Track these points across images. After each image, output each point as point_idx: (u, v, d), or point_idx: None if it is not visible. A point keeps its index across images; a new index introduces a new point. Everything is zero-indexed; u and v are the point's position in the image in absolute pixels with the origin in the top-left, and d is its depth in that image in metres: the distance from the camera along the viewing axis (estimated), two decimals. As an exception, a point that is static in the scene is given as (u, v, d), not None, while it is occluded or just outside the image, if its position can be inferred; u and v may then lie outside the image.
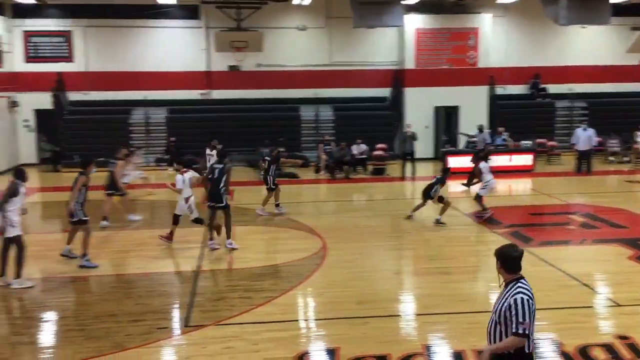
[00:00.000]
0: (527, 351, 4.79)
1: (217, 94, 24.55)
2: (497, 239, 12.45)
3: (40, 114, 23.54)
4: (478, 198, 14.44)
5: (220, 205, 11.73)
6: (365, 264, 10.95)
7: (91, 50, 23.83)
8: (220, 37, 23.28)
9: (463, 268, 10.77)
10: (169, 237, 11.95)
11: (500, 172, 20.56)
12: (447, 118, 24.93)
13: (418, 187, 18.17)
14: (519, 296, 4.72)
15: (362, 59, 24.85)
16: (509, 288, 4.82)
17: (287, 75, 24.44)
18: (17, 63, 23.45)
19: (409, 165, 20.22)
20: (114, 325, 8.10)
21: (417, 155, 20.61)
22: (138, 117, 23.86)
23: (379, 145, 22.68)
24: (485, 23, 24.33)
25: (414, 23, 23.86)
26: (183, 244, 12.28)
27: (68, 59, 23.78)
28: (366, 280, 9.97)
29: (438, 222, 13.81)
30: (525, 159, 21.52)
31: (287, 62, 24.54)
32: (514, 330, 4.69)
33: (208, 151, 18.85)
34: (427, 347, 7.36)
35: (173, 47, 24.04)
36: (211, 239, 11.85)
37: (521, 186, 19.69)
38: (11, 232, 9.56)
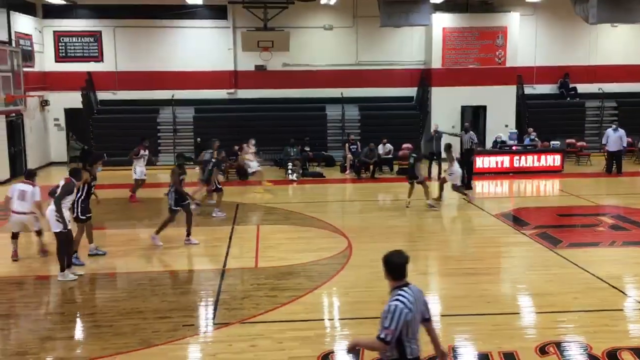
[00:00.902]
0: (409, 357, 4.76)
1: (244, 94, 24.66)
2: (525, 240, 12.32)
3: (70, 113, 23.91)
4: (455, 187, 15.55)
5: (168, 206, 12.10)
6: (390, 264, 10.90)
7: (120, 50, 24.12)
8: (247, 36, 23.38)
9: (490, 269, 10.68)
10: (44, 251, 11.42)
11: (528, 173, 20.48)
12: (474, 118, 24.72)
13: (443, 188, 18.11)
14: (394, 303, 4.66)
15: (389, 59, 24.76)
16: (391, 295, 4.77)
17: (313, 75, 24.45)
18: (47, 63, 23.84)
19: (435, 165, 20.11)
20: (141, 321, 8.20)
21: (443, 155, 20.43)
22: (165, 116, 24.08)
23: (405, 145, 22.58)
24: (514, 22, 24.04)
25: (441, 22, 23.69)
26: (209, 242, 12.39)
27: (97, 58, 24.10)
28: (391, 281, 9.92)
29: (431, 206, 15.19)
30: (554, 160, 21.23)
31: (313, 61, 24.55)
32: (378, 334, 4.65)
33: (142, 152, 16.57)
34: (453, 349, 7.31)
35: (200, 46, 24.22)
36: (188, 235, 12.18)
37: (549, 187, 19.45)
38: (59, 228, 9.87)
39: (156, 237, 12.03)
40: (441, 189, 16.03)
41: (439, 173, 19.68)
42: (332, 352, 7.27)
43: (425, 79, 24.61)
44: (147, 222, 14.01)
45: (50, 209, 9.98)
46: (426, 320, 4.99)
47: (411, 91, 25.12)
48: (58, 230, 9.91)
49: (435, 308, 8.98)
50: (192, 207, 12.96)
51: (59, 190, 10.05)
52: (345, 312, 8.74)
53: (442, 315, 8.59)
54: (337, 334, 7.96)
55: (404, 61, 24.85)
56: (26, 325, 8.28)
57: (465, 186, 17.69)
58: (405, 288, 4.76)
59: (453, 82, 23.77)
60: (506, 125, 23.67)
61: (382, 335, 4.59)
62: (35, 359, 7.16)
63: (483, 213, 15.06)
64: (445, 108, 24.01)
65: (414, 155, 15.65)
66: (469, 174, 18.09)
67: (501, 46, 24.07)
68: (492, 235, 13.04)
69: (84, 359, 7.19)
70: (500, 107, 24.11)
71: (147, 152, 16.82)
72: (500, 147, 21.48)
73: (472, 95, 23.93)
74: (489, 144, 23.22)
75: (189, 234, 12.21)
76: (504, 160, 20.91)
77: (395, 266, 4.78)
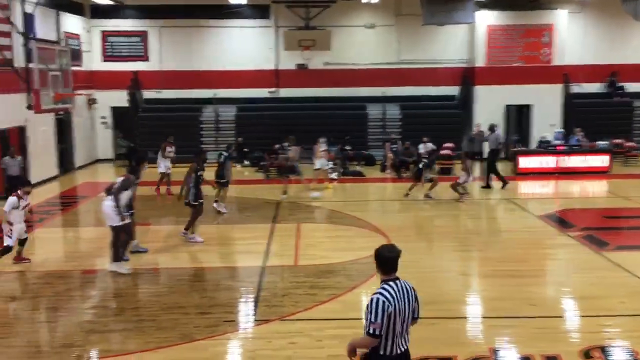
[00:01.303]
0: (381, 353, 4.71)
1: (285, 92, 24.79)
2: (570, 243, 12.06)
3: (116, 111, 24.44)
4: (455, 185, 15.95)
5: (185, 202, 12.22)
6: (430, 265, 10.83)
7: (165, 50, 24.52)
8: (288, 35, 23.51)
9: (533, 271, 10.46)
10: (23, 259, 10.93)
11: (574, 173, 20.03)
12: (518, 117, 24.30)
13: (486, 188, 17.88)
14: (374, 296, 4.68)
15: (431, 57, 24.53)
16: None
17: (354, 74, 24.40)
18: (95, 62, 24.40)
19: (477, 165, 19.82)
20: (183, 316, 8.32)
21: (486, 155, 20.16)
22: (208, 114, 24.40)
23: (446, 145, 22.32)
24: (561, 19, 23.55)
25: (486, 20, 23.36)
26: (250, 239, 12.49)
27: (143, 58, 24.55)
28: (432, 281, 9.84)
29: (427, 196, 16.09)
30: (601, 160, 20.70)
31: (354, 60, 24.49)
32: (365, 330, 4.66)
33: (169, 149, 17.38)
34: (495, 351, 7.21)
35: (243, 46, 24.44)
36: (186, 230, 12.28)
37: (596, 188, 18.98)
38: (118, 221, 10.16)
39: (193, 235, 12.19)
40: (459, 191, 15.99)
41: (481, 173, 19.43)
42: (371, 351, 7.23)
43: (468, 77, 24.31)
44: (187, 218, 14.20)
45: (107, 204, 10.27)
46: (414, 319, 4.95)
47: (453, 90, 24.84)
48: (114, 224, 10.19)
49: (476, 309, 8.90)
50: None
51: (116, 185, 10.35)
52: (385, 311, 8.68)
53: (483, 317, 8.50)
54: (377, 333, 7.92)
55: (446, 59, 24.59)
56: (72, 318, 8.48)
57: (503, 185, 17.54)
58: (390, 282, 4.77)
59: (497, 81, 23.42)
60: (552, 125, 23.20)
61: (371, 331, 4.63)
62: (81, 351, 7.33)
63: (527, 214, 14.80)
64: (489, 107, 23.65)
65: (424, 160, 16.75)
66: (496, 174, 17.94)
67: (547, 44, 23.60)
68: (536, 236, 12.79)
69: (128, 352, 7.33)
70: (546, 106, 23.66)
71: (172, 149, 17.49)
72: (545, 147, 21.07)
73: (517, 94, 23.54)
74: (534, 144, 22.84)
75: (187, 228, 12.31)
76: (549, 161, 20.51)
77: (385, 260, 4.82)
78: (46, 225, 14.16)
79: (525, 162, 20.45)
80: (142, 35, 24.44)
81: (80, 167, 22.84)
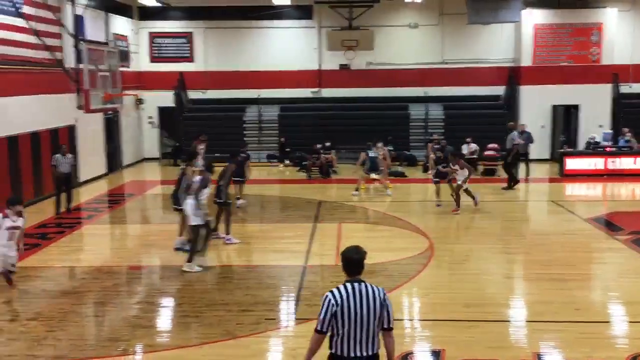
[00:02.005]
0: (331, 350, 4.67)
1: (328, 93, 24.83)
2: (618, 246, 11.76)
3: (162, 111, 24.90)
4: (466, 190, 14.85)
5: (219, 201, 12.11)
6: (473, 266, 10.71)
7: (210, 51, 24.87)
8: (331, 36, 23.55)
9: (579, 275, 10.24)
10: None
11: (623, 175, 19.50)
12: (565, 117, 23.79)
13: (531, 190, 17.58)
14: (325, 294, 4.66)
15: (476, 57, 24.22)
16: None
17: (397, 74, 24.26)
18: (142, 63, 24.93)
19: (522, 167, 19.46)
20: (226, 313, 8.44)
21: (532, 156, 19.80)
22: (252, 114, 24.64)
23: (491, 145, 21.99)
24: (610, 18, 22.95)
25: (532, 18, 22.92)
26: (291, 239, 12.58)
27: (189, 59, 24.95)
28: (474, 283, 9.74)
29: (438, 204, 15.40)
30: (651, 162, 20.11)
31: (397, 60, 24.35)
32: None
33: (200, 147, 17.87)
34: (538, 356, 7.09)
35: (286, 46, 24.57)
36: (215, 229, 12.19)
37: (646, 191, 18.46)
38: (196, 221, 10.28)
39: (229, 237, 12.23)
40: (463, 194, 15.22)
41: (527, 174, 19.09)
42: (412, 352, 7.22)
43: (513, 77, 23.92)
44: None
45: (190, 202, 10.39)
46: (384, 330, 4.73)
47: (498, 90, 24.47)
48: (194, 224, 10.29)
49: (519, 313, 8.76)
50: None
51: (196, 185, 10.44)
52: (425, 313, 8.65)
53: (527, 321, 8.37)
54: (417, 334, 7.90)
55: (491, 59, 24.24)
56: (119, 313, 8.71)
57: (507, 187, 17.48)
58: (348, 284, 4.69)
59: (543, 80, 22.98)
60: (600, 126, 22.63)
61: (316, 326, 4.64)
62: (127, 346, 7.50)
63: (574, 217, 14.48)
64: (535, 107, 23.25)
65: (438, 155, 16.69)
66: (508, 174, 17.79)
67: (596, 43, 23.03)
68: (583, 240, 12.52)
69: (172, 347, 7.48)
70: (594, 106, 23.08)
71: (203, 147, 17.83)
72: (593, 148, 20.58)
73: (564, 94, 23.05)
74: (581, 145, 22.33)
75: (216, 229, 12.31)
76: (597, 162, 20.02)
77: (350, 261, 4.76)
78: (94, 222, 14.55)
79: (572, 163, 20.02)
80: (188, 37, 24.84)
81: (128, 166, 23.36)
